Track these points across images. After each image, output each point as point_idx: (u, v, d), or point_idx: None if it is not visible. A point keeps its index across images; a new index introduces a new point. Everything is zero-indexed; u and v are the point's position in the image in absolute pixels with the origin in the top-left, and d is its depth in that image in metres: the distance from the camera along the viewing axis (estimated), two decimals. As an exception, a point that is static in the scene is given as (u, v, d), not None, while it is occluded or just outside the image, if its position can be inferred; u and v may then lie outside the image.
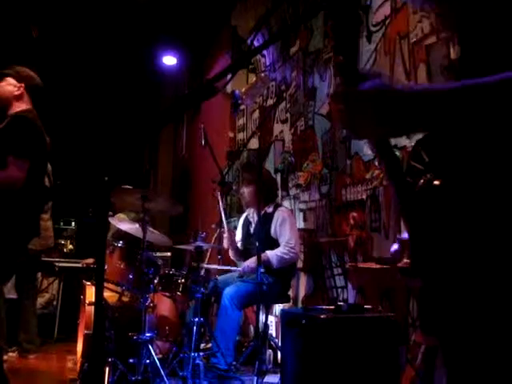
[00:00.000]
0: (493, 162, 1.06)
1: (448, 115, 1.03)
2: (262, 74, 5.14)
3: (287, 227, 4.67)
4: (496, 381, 1.05)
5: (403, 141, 4.10)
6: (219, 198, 5.08)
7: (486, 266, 1.04)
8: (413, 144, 3.92)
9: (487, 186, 1.05)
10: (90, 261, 5.70)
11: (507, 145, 1.03)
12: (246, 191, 4.98)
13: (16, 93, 3.48)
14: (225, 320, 4.39)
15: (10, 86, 3.50)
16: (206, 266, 4.97)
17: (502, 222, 1.03)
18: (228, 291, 4.44)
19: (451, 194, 1.13)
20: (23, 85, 3.51)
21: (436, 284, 1.16)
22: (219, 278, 4.86)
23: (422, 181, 1.25)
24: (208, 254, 5.61)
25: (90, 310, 4.26)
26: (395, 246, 1.76)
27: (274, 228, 4.71)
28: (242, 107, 6.51)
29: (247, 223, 5.11)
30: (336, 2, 1.27)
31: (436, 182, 1.20)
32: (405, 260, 1.37)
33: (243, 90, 4.06)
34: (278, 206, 4.93)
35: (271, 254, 4.56)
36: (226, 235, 4.93)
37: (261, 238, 4.40)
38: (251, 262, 4.60)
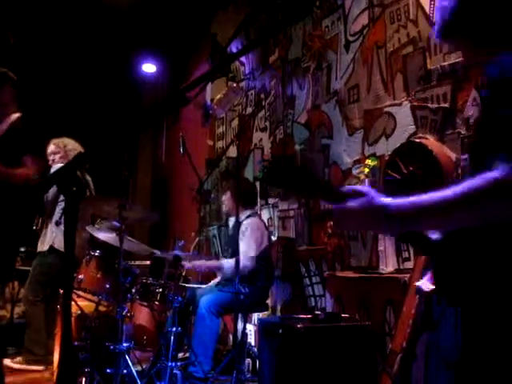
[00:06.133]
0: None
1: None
2: (234, 84, 5.14)
3: (247, 238, 4.61)
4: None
5: (382, 149, 4.14)
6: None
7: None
8: (389, 153, 3.93)
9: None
10: None
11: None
12: (225, 199, 4.99)
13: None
14: (202, 329, 4.36)
15: None
16: (186, 285, 4.92)
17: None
18: (205, 299, 4.42)
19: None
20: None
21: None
22: (199, 290, 4.83)
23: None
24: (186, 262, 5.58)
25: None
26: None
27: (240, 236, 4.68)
28: (222, 115, 6.51)
29: (228, 231, 5.12)
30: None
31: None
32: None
33: (214, 100, 4.07)
34: (250, 215, 4.87)
35: (224, 262, 4.60)
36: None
37: (231, 245, 4.41)
38: (201, 263, 4.67)
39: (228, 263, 4.53)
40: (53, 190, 4.87)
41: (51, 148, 5.25)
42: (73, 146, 5.27)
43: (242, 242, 4.57)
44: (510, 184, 1.24)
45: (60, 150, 5.20)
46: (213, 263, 4.76)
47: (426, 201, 1.33)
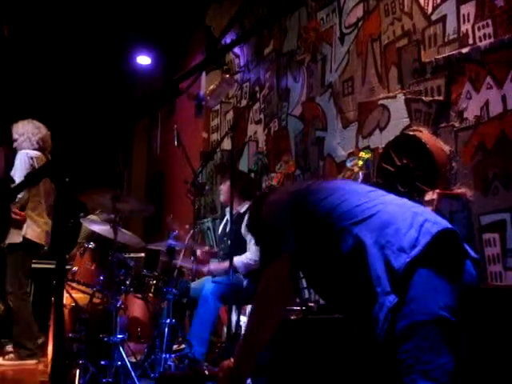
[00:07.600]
0: None
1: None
2: (227, 75, 5.13)
3: None
4: None
5: (376, 142, 4.15)
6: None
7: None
8: (383, 146, 3.95)
9: None
10: None
11: None
12: (223, 188, 4.95)
13: None
14: (204, 309, 4.31)
15: None
16: (179, 263, 4.89)
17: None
18: (210, 284, 4.38)
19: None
20: None
21: None
22: (192, 284, 4.81)
23: None
24: (181, 254, 5.57)
25: (61, 311, 4.20)
26: None
27: (243, 228, 4.63)
28: (215, 107, 6.50)
29: (226, 223, 5.07)
30: None
31: None
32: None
33: (207, 91, 4.04)
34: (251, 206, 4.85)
35: (237, 261, 4.43)
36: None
37: (231, 237, 4.37)
38: (214, 266, 4.63)
39: (240, 262, 4.48)
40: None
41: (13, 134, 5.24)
42: (25, 130, 5.18)
43: (250, 235, 4.51)
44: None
45: (18, 137, 5.16)
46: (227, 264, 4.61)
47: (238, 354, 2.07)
